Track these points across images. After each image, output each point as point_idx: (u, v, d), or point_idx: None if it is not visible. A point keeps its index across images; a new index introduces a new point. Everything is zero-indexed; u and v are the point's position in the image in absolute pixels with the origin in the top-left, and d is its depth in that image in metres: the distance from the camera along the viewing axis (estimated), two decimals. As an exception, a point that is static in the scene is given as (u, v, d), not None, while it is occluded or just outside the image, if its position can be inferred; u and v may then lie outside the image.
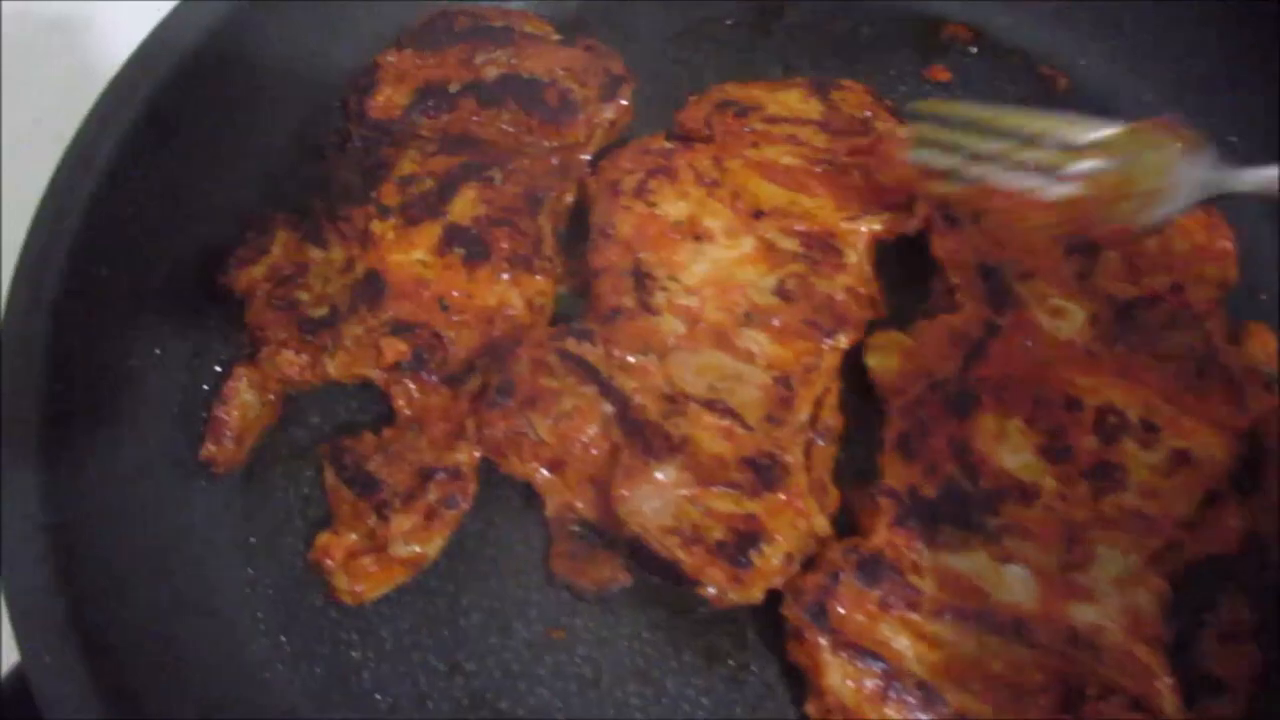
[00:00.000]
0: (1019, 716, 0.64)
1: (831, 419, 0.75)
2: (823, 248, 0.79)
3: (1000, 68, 0.94)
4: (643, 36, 0.96)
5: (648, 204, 0.80)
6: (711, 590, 0.66)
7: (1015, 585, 0.67)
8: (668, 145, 0.83)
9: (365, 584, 0.70)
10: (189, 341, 0.79)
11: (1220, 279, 0.78)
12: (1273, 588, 0.71)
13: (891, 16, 0.96)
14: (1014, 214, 0.68)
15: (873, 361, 0.76)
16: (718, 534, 0.67)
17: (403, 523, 0.70)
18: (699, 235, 0.79)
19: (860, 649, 0.65)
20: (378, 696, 0.69)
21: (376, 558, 0.70)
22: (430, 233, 0.80)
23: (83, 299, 0.70)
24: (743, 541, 0.67)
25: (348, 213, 0.81)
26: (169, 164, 0.78)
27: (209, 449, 0.75)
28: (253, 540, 0.74)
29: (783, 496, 0.69)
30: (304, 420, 0.78)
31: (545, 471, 0.72)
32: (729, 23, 0.97)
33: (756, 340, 0.75)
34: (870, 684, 0.64)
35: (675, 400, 0.72)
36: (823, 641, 0.65)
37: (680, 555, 0.66)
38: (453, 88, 0.87)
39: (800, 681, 0.67)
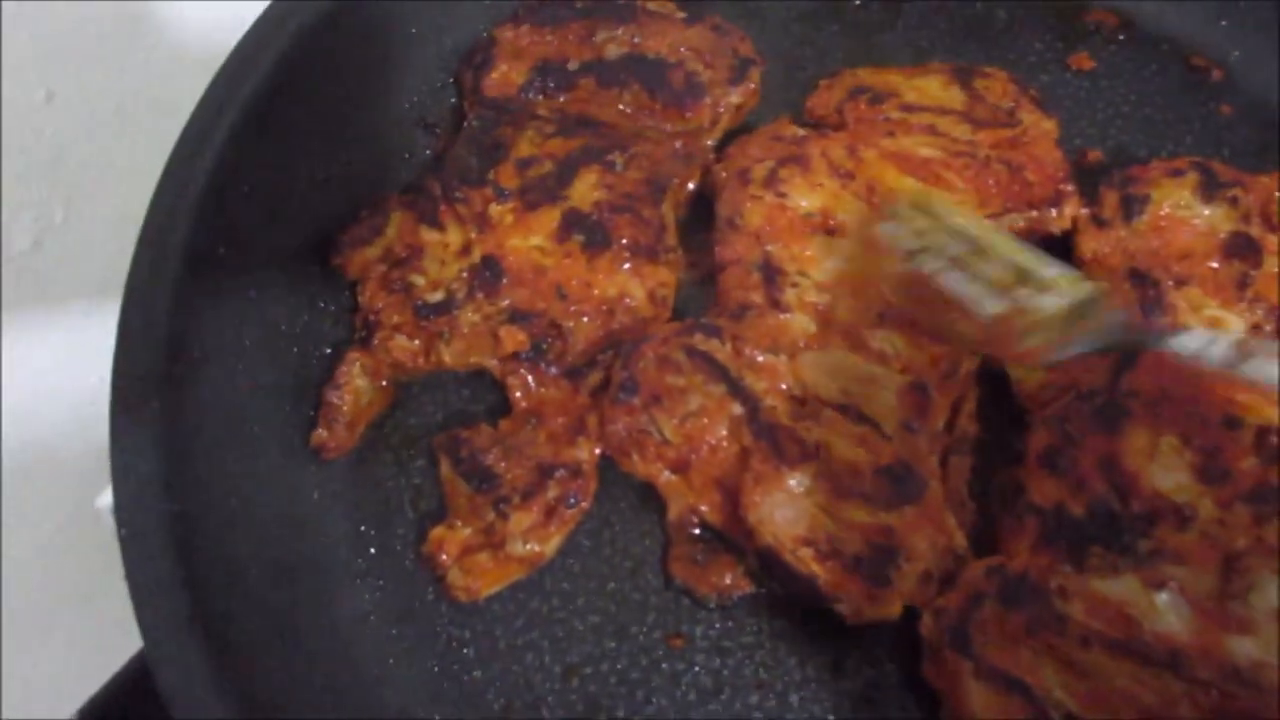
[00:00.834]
0: (1173, 755, 0.60)
1: (970, 428, 0.71)
2: (962, 245, 0.75)
3: (1148, 57, 0.88)
4: (767, 15, 0.92)
5: (778, 194, 0.76)
6: (846, 608, 0.63)
7: (1168, 614, 0.63)
8: (800, 133, 0.80)
9: (480, 581, 0.68)
10: (303, 325, 0.77)
11: (1395, 292, 0.73)
12: None
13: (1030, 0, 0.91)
14: (941, 318, 0.68)
15: (1015, 371, 0.72)
16: (854, 547, 0.64)
17: (522, 520, 0.67)
18: (831, 229, 0.76)
19: (1005, 676, 0.61)
20: (490, 696, 0.67)
21: (492, 554, 0.68)
22: (549, 218, 0.77)
23: (200, 281, 0.69)
24: (880, 557, 0.63)
25: (465, 194, 0.78)
26: (283, 142, 0.76)
27: (320, 434, 0.73)
28: (364, 529, 0.72)
29: (921, 510, 0.65)
30: (417, 409, 0.76)
31: (669, 473, 0.69)
32: (858, 3, 0.92)
33: (891, 341, 0.72)
34: (1013, 710, 0.61)
35: (806, 403, 0.69)
36: (965, 666, 0.62)
37: (816, 569, 0.63)
38: (572, 66, 0.84)
39: (931, 702, 0.64)
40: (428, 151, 0.85)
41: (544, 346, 0.73)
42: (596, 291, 0.75)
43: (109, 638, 0.74)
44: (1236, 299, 0.73)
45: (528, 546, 0.67)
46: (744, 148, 0.79)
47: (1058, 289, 0.65)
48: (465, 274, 0.76)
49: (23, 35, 1.06)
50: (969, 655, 0.62)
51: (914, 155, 0.78)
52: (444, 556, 0.69)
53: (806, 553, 0.63)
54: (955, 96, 0.81)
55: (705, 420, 0.68)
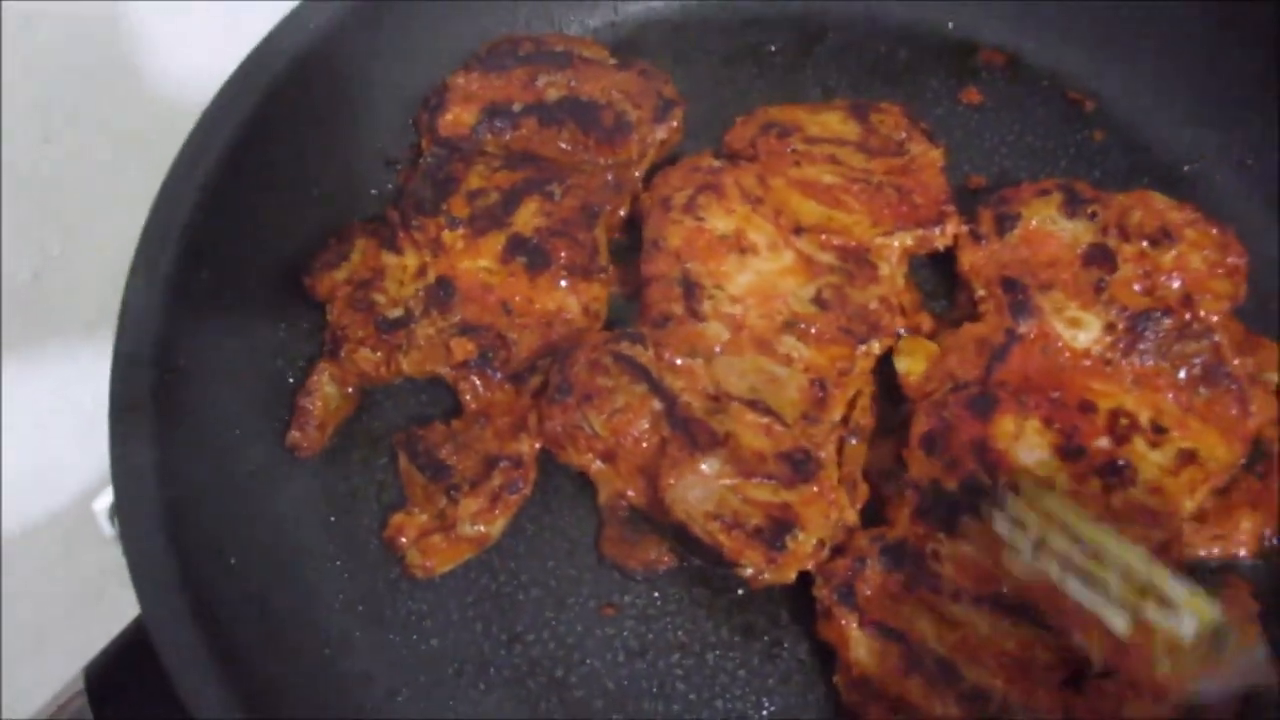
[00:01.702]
0: (1028, 690, 0.70)
1: (863, 419, 0.81)
2: (858, 261, 0.85)
3: (1031, 91, 1.00)
4: (693, 60, 1.03)
5: (696, 218, 0.86)
6: (749, 571, 0.73)
7: (1008, 561, 0.72)
8: (716, 164, 0.90)
9: (435, 559, 0.78)
10: (278, 339, 0.86)
11: (1231, 293, 0.84)
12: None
13: (927, 41, 1.02)
14: (1069, 625, 0.68)
15: (901, 366, 0.83)
16: (756, 520, 0.73)
17: (470, 505, 0.77)
18: (743, 248, 0.86)
19: (884, 627, 0.71)
20: (444, 661, 0.76)
21: (445, 536, 0.77)
22: (495, 242, 0.87)
23: (188, 301, 0.78)
24: (778, 528, 0.73)
25: (421, 222, 0.88)
26: (260, 179, 0.86)
27: (294, 435, 0.83)
28: (333, 519, 0.81)
29: (816, 488, 0.75)
30: (379, 411, 0.86)
31: (599, 462, 0.79)
32: (773, 48, 1.03)
33: (795, 346, 0.82)
34: (892, 658, 0.71)
35: (719, 399, 0.79)
36: (850, 620, 0.72)
37: (721, 539, 0.73)
38: (516, 107, 0.95)
39: (828, 657, 0.74)
40: (390, 185, 0.95)
41: (491, 355, 0.83)
42: (537, 306, 0.85)
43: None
44: (1094, 301, 0.83)
45: (475, 528, 0.77)
46: (667, 178, 0.89)
47: (1187, 610, 0.62)
48: (421, 293, 0.86)
49: (22, 80, 1.15)
50: (854, 610, 0.72)
51: (817, 182, 0.89)
52: (403, 539, 0.78)
53: (714, 525, 0.73)
54: (853, 129, 0.92)
55: (630, 415, 0.78)
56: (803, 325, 0.82)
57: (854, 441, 0.80)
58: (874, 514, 0.78)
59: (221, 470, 0.78)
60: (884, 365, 0.83)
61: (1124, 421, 0.79)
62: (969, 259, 0.86)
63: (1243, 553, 0.78)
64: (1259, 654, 0.64)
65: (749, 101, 0.99)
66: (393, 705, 0.75)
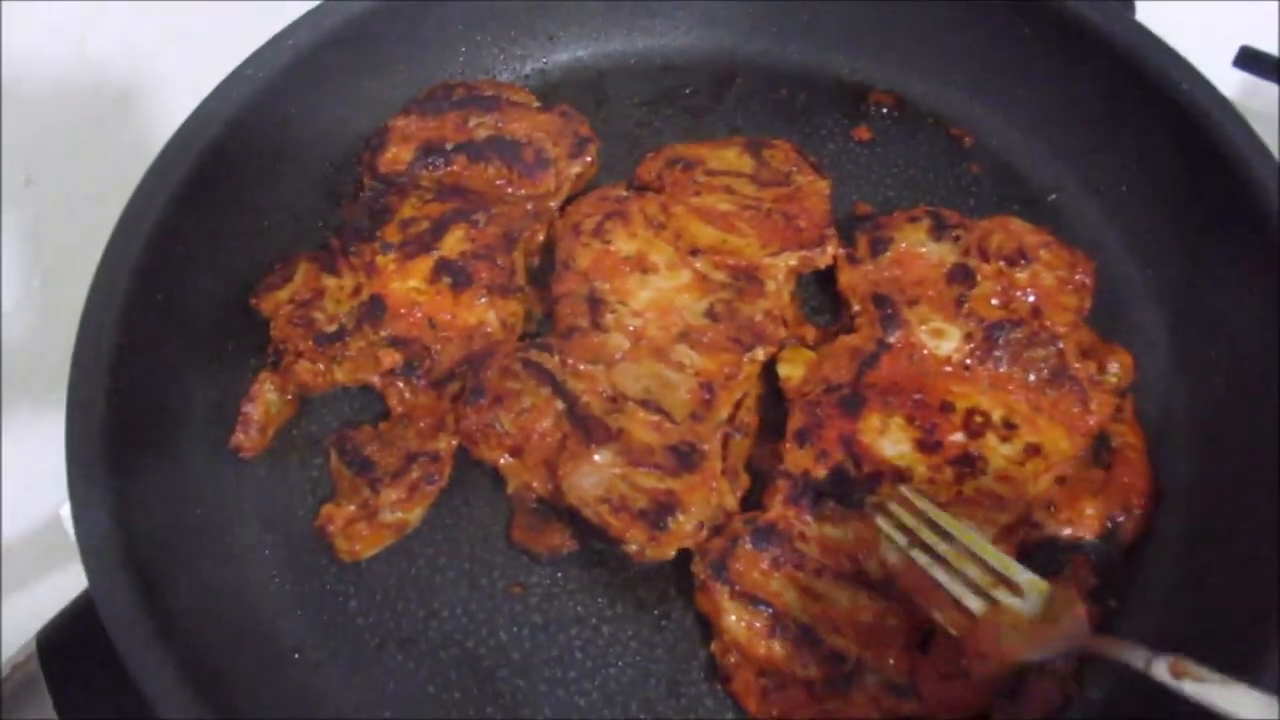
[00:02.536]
0: (880, 653, 0.78)
1: (748, 418, 0.90)
2: (747, 278, 0.95)
3: (916, 129, 1.10)
4: (614, 103, 1.13)
5: (603, 241, 0.96)
6: (633, 548, 0.82)
7: (885, 552, 0.82)
8: (623, 193, 1.00)
9: (360, 545, 0.86)
10: (225, 352, 0.95)
11: (1077, 306, 0.93)
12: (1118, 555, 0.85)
13: (825, 85, 1.13)
14: (932, 603, 0.77)
15: (782, 371, 0.92)
16: (641, 503, 0.82)
17: (390, 494, 0.86)
18: (645, 268, 0.95)
19: (753, 597, 0.80)
20: (368, 636, 0.85)
21: (369, 523, 0.86)
22: (424, 265, 0.97)
23: (144, 315, 0.87)
24: (661, 510, 0.82)
25: (358, 248, 0.98)
26: (213, 211, 0.95)
27: (238, 437, 0.92)
28: (270, 512, 0.90)
29: (699, 477, 0.84)
30: (317, 416, 0.95)
31: (508, 456, 0.88)
32: (688, 91, 1.14)
33: (688, 354, 0.91)
34: (759, 625, 0.79)
35: (616, 400, 0.88)
36: (722, 591, 0.80)
37: (609, 519, 0.82)
38: (449, 146, 1.05)
39: (707, 626, 0.83)
40: (332, 217, 1.05)
41: (415, 364, 0.92)
42: (460, 321, 0.94)
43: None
44: (955, 315, 0.92)
45: (396, 515, 0.86)
46: (578, 206, 1.00)
47: (1031, 591, 0.74)
48: (355, 310, 0.95)
49: (6, 125, 1.26)
50: (726, 583, 0.81)
51: (713, 209, 0.99)
52: (331, 527, 0.87)
53: (603, 508, 0.82)
54: (747, 163, 1.02)
55: (535, 415, 0.87)
56: (695, 335, 0.92)
57: (738, 437, 0.89)
58: (756, 505, 0.87)
59: (169, 470, 0.87)
60: (771, 372, 0.93)
61: (978, 419, 0.88)
62: (846, 278, 0.96)
63: (1087, 535, 0.86)
64: (1082, 625, 0.74)
65: (662, 140, 1.09)
66: (320, 674, 0.84)
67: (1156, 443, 0.91)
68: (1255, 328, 0.88)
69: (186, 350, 0.92)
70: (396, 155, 1.05)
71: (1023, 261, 0.94)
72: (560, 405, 0.88)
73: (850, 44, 1.14)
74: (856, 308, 0.94)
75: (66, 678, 0.76)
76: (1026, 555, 0.83)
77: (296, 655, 0.84)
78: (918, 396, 0.89)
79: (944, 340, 0.92)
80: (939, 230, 0.97)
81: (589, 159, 1.04)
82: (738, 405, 0.90)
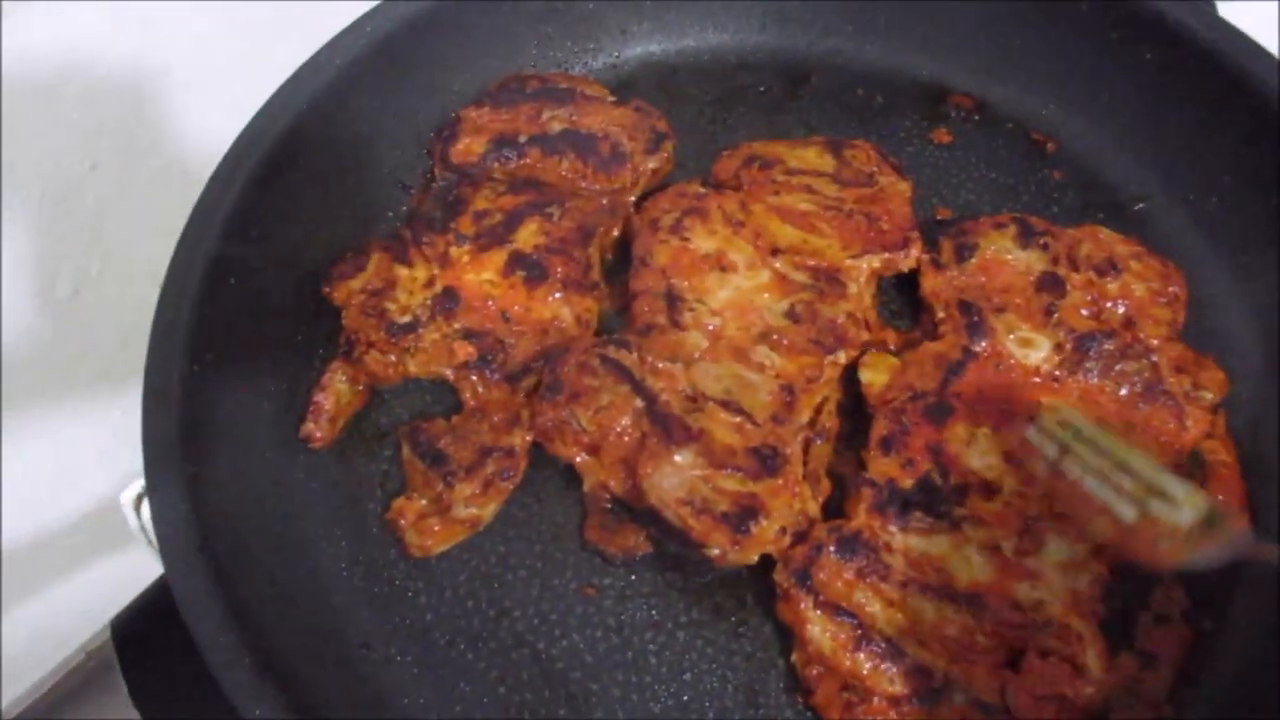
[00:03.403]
0: (968, 669, 0.76)
1: (829, 422, 0.88)
2: (828, 280, 0.93)
3: (996, 133, 1.08)
4: (687, 100, 1.11)
5: (682, 238, 0.94)
6: (715, 552, 0.80)
7: (973, 565, 0.80)
8: (701, 190, 0.98)
9: (431, 540, 0.85)
10: (296, 341, 0.94)
11: (1170, 319, 0.91)
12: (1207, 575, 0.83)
13: (902, 87, 1.11)
14: (1083, 514, 0.78)
15: (865, 377, 0.90)
16: (723, 507, 0.80)
17: (464, 490, 0.84)
18: (724, 266, 0.94)
19: (837, 608, 0.78)
20: (438, 634, 0.83)
21: (441, 519, 0.85)
22: (498, 258, 0.95)
23: (217, 304, 0.86)
24: (744, 514, 0.80)
25: (430, 239, 0.97)
26: (286, 198, 0.94)
27: (308, 427, 0.90)
28: (340, 504, 0.89)
29: (780, 481, 0.82)
30: (386, 408, 0.93)
31: (585, 455, 0.86)
32: (761, 89, 1.12)
33: (768, 355, 0.89)
34: (844, 636, 0.77)
35: (696, 400, 0.86)
36: (806, 601, 0.78)
37: (691, 522, 0.80)
38: (522, 138, 1.03)
39: (788, 637, 0.80)
40: (404, 207, 1.04)
41: (490, 357, 0.90)
42: (534, 315, 0.93)
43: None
44: (1044, 324, 0.90)
45: (469, 511, 0.84)
46: (656, 202, 0.98)
47: (1186, 504, 0.72)
48: (429, 302, 0.94)
49: (70, 112, 1.25)
50: (810, 592, 0.79)
51: (793, 209, 0.97)
52: (402, 521, 0.85)
53: (685, 510, 0.80)
54: (828, 162, 1.00)
55: (613, 412, 0.85)
56: (775, 336, 0.90)
57: (819, 442, 0.87)
58: (837, 511, 0.85)
59: (240, 458, 0.86)
60: (852, 376, 0.91)
61: (1066, 432, 0.85)
62: (930, 283, 0.93)
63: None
64: (1245, 534, 0.73)
65: (736, 137, 1.07)
66: (388, 670, 0.82)
67: (1248, 460, 0.88)
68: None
69: (259, 338, 0.91)
70: (469, 146, 1.04)
71: (1113, 272, 0.92)
72: (639, 403, 0.86)
73: (928, 44, 1.11)
74: (941, 314, 0.92)
75: (141, 663, 0.75)
76: (1119, 576, 0.80)
77: (365, 650, 0.83)
78: (1005, 407, 0.86)
79: (1032, 350, 0.89)
80: (1026, 237, 0.94)
81: (665, 155, 1.03)
82: (819, 409, 0.88)
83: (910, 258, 0.94)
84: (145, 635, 0.77)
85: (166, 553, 0.74)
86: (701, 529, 0.80)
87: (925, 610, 0.78)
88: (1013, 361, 0.89)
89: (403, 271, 0.96)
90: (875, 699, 0.76)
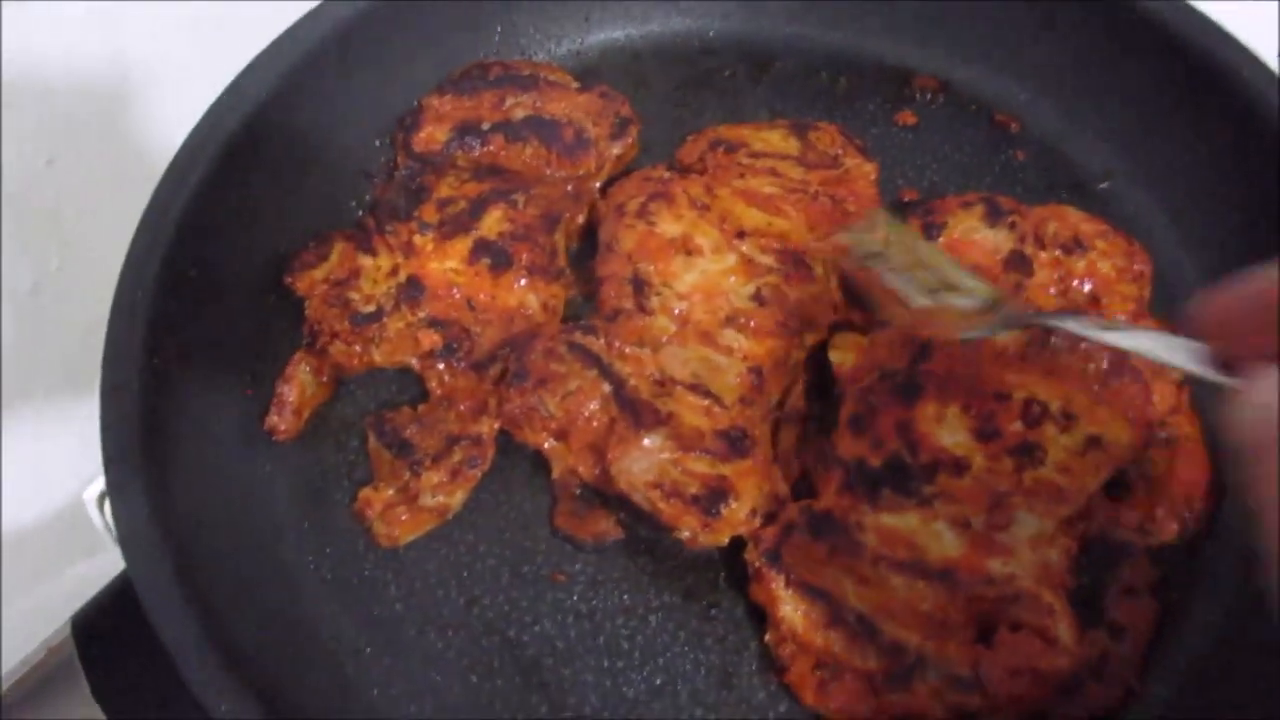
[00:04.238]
0: (942, 645, 0.76)
1: (798, 403, 0.88)
2: (794, 262, 0.92)
3: (961, 115, 1.08)
4: (651, 85, 1.11)
5: (648, 223, 0.94)
6: (685, 534, 0.79)
7: (944, 541, 0.80)
8: (666, 174, 0.98)
9: (399, 529, 0.84)
10: (259, 334, 0.93)
11: (1136, 295, 0.91)
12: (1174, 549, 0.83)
13: (866, 70, 1.11)
14: (882, 302, 0.84)
15: (834, 357, 0.90)
16: (693, 489, 0.80)
17: (431, 478, 0.84)
18: (690, 250, 0.93)
19: (809, 586, 0.78)
20: (407, 624, 0.82)
21: (409, 508, 0.84)
22: (462, 245, 0.94)
23: (176, 296, 0.85)
24: (713, 496, 0.80)
25: (394, 228, 0.96)
26: (248, 189, 0.92)
27: (272, 419, 0.89)
28: (306, 496, 0.88)
29: (750, 463, 0.82)
30: (352, 399, 0.92)
31: (553, 440, 0.85)
32: (726, 74, 1.12)
33: (736, 338, 0.89)
34: (817, 614, 0.77)
35: (664, 384, 0.86)
36: (778, 580, 0.78)
37: (660, 506, 0.79)
38: (485, 126, 1.02)
39: (760, 618, 0.80)
40: (366, 197, 1.03)
41: (455, 346, 0.90)
42: (499, 303, 0.92)
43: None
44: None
45: (437, 499, 0.83)
46: (622, 187, 0.97)
47: (970, 293, 0.80)
48: (393, 291, 0.93)
49: (28, 106, 1.23)
50: (781, 571, 0.78)
51: (759, 192, 0.97)
52: (370, 511, 0.84)
53: (655, 494, 0.80)
54: (792, 145, 1.00)
55: (581, 397, 0.85)
56: (743, 319, 0.89)
57: (789, 424, 0.87)
58: (808, 493, 0.85)
59: (204, 452, 0.84)
60: (821, 358, 0.90)
61: (1036, 408, 0.85)
62: (897, 262, 0.93)
63: (1165, 539, 0.84)
64: (1021, 311, 0.82)
65: (701, 122, 1.07)
66: (359, 660, 0.81)
67: (1212, 432, 0.88)
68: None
69: (220, 330, 0.90)
70: (431, 135, 1.03)
71: (1079, 250, 0.92)
72: (607, 388, 0.85)
73: (893, 28, 1.11)
74: (908, 293, 0.92)
75: (103, 661, 0.74)
76: (1088, 551, 0.81)
77: (334, 643, 0.82)
78: (973, 385, 0.86)
79: (999, 327, 0.89)
80: (993, 216, 0.94)
81: (630, 140, 1.02)
82: (787, 391, 0.88)
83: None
84: (107, 631, 0.75)
85: (128, 549, 0.72)
86: (671, 512, 0.79)
87: (897, 586, 0.78)
88: (980, 340, 0.89)
89: (366, 261, 0.95)
90: (848, 676, 0.76)
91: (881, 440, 0.84)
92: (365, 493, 0.85)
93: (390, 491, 0.85)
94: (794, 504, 0.82)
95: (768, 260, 0.93)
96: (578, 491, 0.85)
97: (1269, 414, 0.49)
